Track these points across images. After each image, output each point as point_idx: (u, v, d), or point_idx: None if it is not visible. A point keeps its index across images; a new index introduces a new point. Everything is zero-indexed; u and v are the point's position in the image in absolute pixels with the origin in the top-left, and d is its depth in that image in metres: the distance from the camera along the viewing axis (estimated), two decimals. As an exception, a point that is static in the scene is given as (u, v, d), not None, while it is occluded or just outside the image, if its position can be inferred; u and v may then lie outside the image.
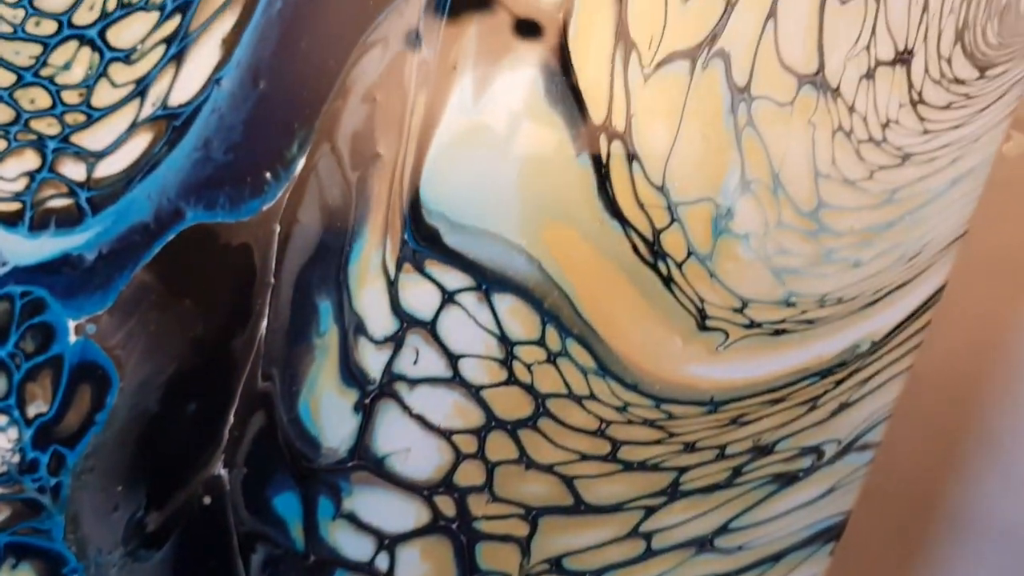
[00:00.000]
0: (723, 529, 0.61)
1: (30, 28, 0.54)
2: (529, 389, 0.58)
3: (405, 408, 0.58)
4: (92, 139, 0.57)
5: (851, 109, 0.55)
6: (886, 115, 0.56)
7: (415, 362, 0.58)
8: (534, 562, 0.60)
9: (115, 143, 0.56)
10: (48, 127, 0.56)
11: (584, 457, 0.59)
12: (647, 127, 0.55)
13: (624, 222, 0.56)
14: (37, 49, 0.55)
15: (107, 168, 0.57)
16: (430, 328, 0.57)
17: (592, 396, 0.58)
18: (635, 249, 0.57)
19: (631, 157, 0.55)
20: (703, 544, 0.61)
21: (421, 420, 0.58)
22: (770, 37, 0.53)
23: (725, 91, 0.54)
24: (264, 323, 0.58)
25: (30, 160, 0.56)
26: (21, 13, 0.54)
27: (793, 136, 0.54)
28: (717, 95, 0.54)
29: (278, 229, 0.57)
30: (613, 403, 0.58)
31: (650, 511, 0.60)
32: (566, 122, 0.54)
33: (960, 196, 0.60)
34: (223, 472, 0.60)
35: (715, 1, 0.53)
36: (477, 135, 0.55)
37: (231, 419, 0.59)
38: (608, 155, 0.55)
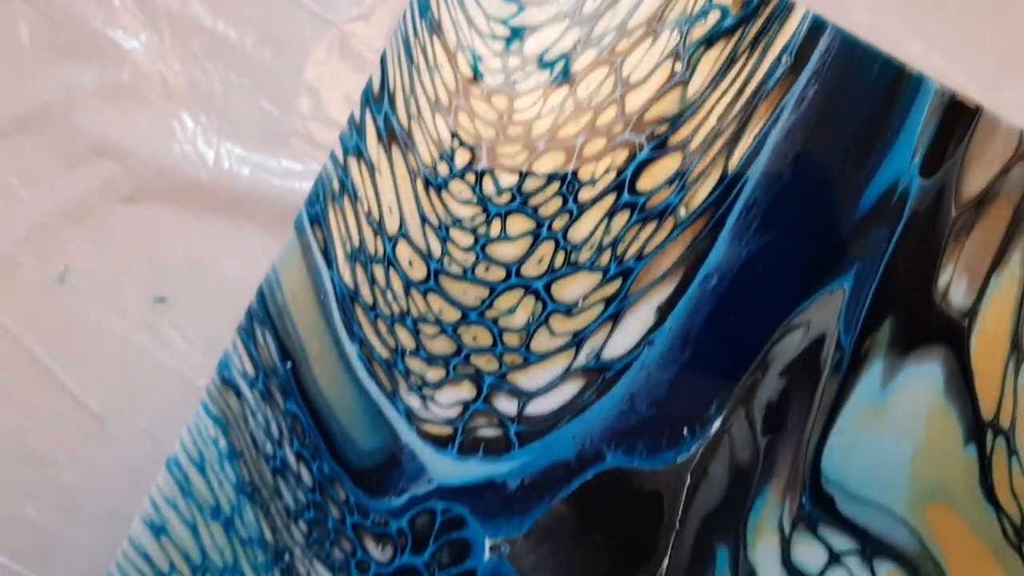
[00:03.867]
0: None
1: (479, 272, 0.62)
2: None
3: None
4: (527, 379, 0.63)
5: None
6: None
7: None
8: None
9: (547, 386, 0.62)
10: (487, 363, 0.62)
11: None
12: (1029, 427, 0.57)
13: (998, 508, 0.60)
14: (484, 292, 0.62)
15: (537, 407, 0.63)
16: None
17: None
18: (1004, 532, 0.60)
19: (1011, 452, 0.60)
20: None
21: None
22: None
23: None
24: (666, 562, 0.63)
25: (466, 391, 0.62)
26: (472, 258, 0.62)
27: None
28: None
29: (688, 480, 0.62)
30: None
31: None
32: (959, 415, 0.59)
33: None
34: None
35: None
36: (879, 418, 0.60)
37: (624, 648, 0.62)
38: (992, 448, 0.60)
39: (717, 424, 0.63)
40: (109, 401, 0.77)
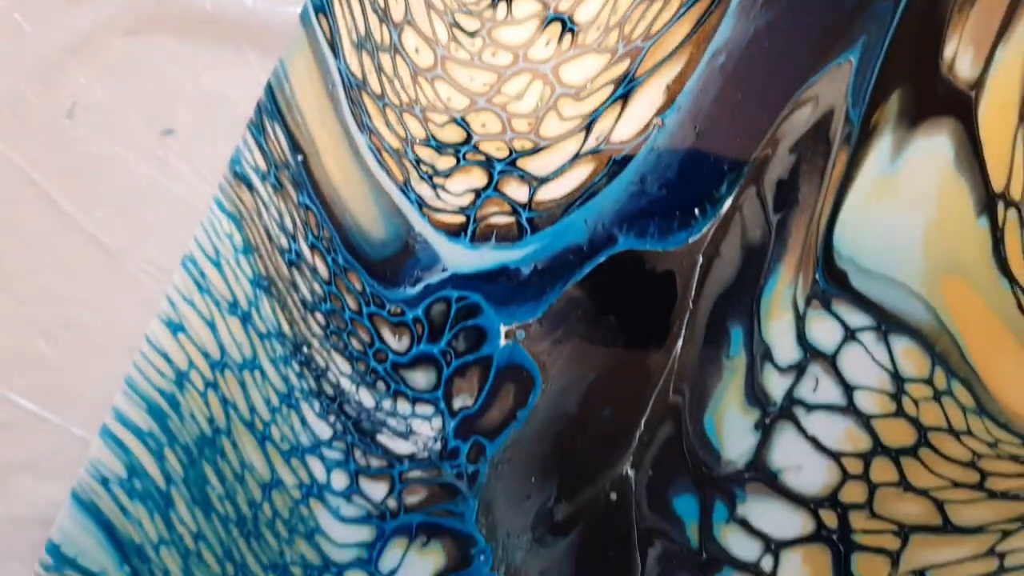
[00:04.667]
0: (1069, 553, 0.60)
1: (486, 58, 0.62)
2: (914, 422, 0.62)
3: (801, 430, 0.63)
4: (537, 165, 0.63)
5: None
6: None
7: (815, 390, 0.62)
8: (900, 572, 0.63)
9: (558, 171, 0.63)
10: (497, 150, 0.63)
11: (955, 484, 0.62)
12: (1040, 198, 0.57)
13: (1012, 280, 0.60)
14: (492, 78, 0.62)
15: (548, 193, 0.64)
16: (831, 360, 0.62)
17: (968, 432, 0.61)
18: (1019, 305, 0.60)
19: (1023, 223, 0.59)
20: (1048, 565, 0.60)
21: (814, 442, 0.63)
22: None
23: (1108, 174, 0.61)
24: (680, 343, 0.64)
25: (477, 178, 0.63)
26: (479, 43, 0.62)
27: None
28: (1101, 177, 0.60)
29: (701, 260, 0.63)
30: (986, 439, 0.62)
31: (1006, 534, 0.63)
32: (970, 187, 0.60)
33: None
34: (630, 472, 0.65)
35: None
36: (890, 191, 0.61)
37: (642, 426, 0.65)
38: (1004, 219, 0.60)
39: (728, 203, 0.63)
40: (120, 235, 0.78)
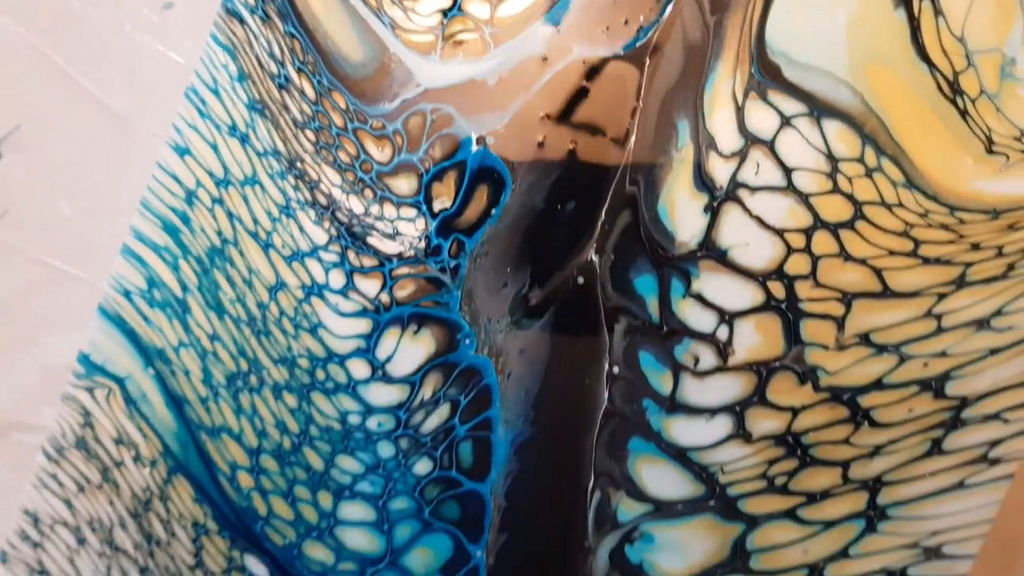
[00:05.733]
0: (997, 312, 0.67)
1: None
2: (849, 197, 0.66)
3: (746, 210, 0.68)
4: (497, -17, 0.65)
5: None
6: None
7: (756, 173, 0.67)
8: (846, 336, 0.68)
9: (516, -12, 0.65)
10: (459, -28, 0.65)
11: (891, 253, 0.67)
12: (951, -12, 0.61)
13: (931, 64, 0.64)
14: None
15: (508, 9, 0.69)
16: (769, 146, 0.67)
17: (900, 204, 0.66)
18: (939, 87, 0.65)
19: (937, 12, 0.64)
20: (982, 324, 0.67)
21: (759, 220, 0.68)
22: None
23: (1015, -36, 0.62)
24: (633, 139, 0.69)
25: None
26: None
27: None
28: (1008, -34, 0.62)
29: (648, 62, 0.68)
30: (916, 210, 0.66)
31: (942, 297, 0.67)
32: None
33: None
34: (595, 258, 0.71)
35: None
36: None
37: (603, 216, 0.70)
38: (919, 9, 0.64)
39: (669, 9, 0.68)
40: (127, 102, 0.83)
